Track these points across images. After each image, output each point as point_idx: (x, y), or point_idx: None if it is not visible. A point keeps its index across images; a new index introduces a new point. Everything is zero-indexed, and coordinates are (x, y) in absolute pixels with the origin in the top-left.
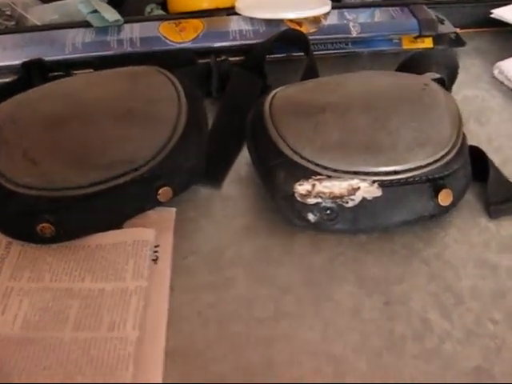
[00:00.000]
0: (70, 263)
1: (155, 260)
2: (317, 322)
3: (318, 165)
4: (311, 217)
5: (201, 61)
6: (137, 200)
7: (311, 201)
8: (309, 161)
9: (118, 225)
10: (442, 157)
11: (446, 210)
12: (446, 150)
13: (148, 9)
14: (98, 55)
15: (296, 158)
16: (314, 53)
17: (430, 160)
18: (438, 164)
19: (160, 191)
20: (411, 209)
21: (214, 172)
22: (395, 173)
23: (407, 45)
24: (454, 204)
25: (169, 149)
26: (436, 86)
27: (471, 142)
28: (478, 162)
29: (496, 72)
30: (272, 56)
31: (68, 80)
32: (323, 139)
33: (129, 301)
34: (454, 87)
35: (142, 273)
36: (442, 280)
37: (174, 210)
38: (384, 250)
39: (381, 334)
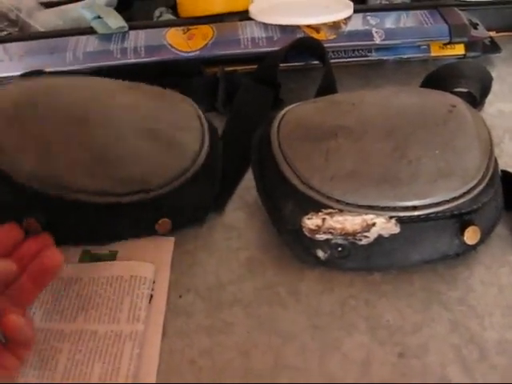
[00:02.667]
0: (62, 300)
1: (150, 298)
2: (321, 377)
3: (328, 197)
4: (321, 254)
5: (210, 70)
6: (134, 225)
7: (321, 237)
8: (318, 192)
9: (106, 242)
10: (469, 190)
11: (473, 247)
12: (475, 182)
13: (157, 13)
14: (100, 66)
15: (304, 189)
16: (334, 60)
17: (456, 194)
18: (465, 198)
19: (160, 221)
20: (433, 247)
21: (216, 197)
22: (415, 208)
23: (436, 52)
24: (482, 241)
25: (181, 181)
26: (464, 108)
27: (505, 164)
28: (511, 189)
29: None
30: (287, 64)
31: (93, 79)
32: (335, 168)
33: (122, 348)
34: (488, 100)
35: (139, 315)
36: (465, 329)
37: (172, 239)
38: (400, 293)
39: None
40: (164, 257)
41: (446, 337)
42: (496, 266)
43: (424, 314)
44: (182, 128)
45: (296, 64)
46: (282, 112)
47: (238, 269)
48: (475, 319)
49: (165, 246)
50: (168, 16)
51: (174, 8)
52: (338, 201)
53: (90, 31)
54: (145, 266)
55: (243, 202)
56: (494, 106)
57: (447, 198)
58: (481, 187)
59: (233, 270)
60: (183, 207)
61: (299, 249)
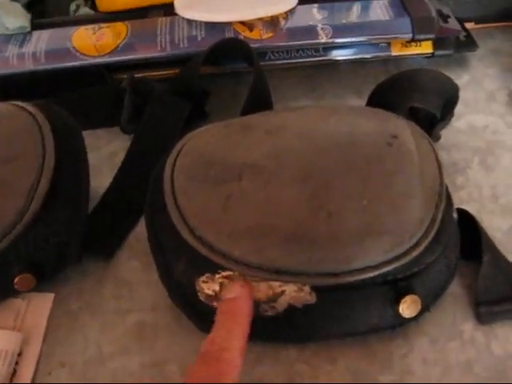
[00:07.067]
0: None
1: (12, 375)
2: None
3: (226, 257)
4: None
5: (119, 77)
6: None
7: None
8: (214, 250)
9: None
10: (407, 251)
11: (414, 318)
12: (414, 240)
13: (73, 6)
14: None
15: (197, 246)
16: (273, 62)
17: (388, 257)
18: (400, 262)
19: (16, 279)
20: (360, 320)
21: (102, 241)
22: (335, 275)
23: (398, 50)
24: (425, 309)
25: (22, 226)
26: (409, 138)
27: (469, 196)
28: (470, 234)
29: None
30: (217, 68)
31: None
32: (234, 221)
33: None
34: (457, 111)
35: None
36: None
37: (51, 297)
38: (318, 373)
39: None
40: (38, 321)
41: None
42: (443, 337)
43: None
44: (7, 160)
45: (228, 67)
46: (184, 139)
47: (123, 337)
48: None
49: (40, 307)
50: (85, 10)
51: (93, 1)
52: (237, 262)
53: None
54: (9, 336)
55: (141, 249)
56: (463, 118)
57: (376, 263)
58: (423, 246)
59: (117, 339)
60: (38, 253)
61: (195, 316)
